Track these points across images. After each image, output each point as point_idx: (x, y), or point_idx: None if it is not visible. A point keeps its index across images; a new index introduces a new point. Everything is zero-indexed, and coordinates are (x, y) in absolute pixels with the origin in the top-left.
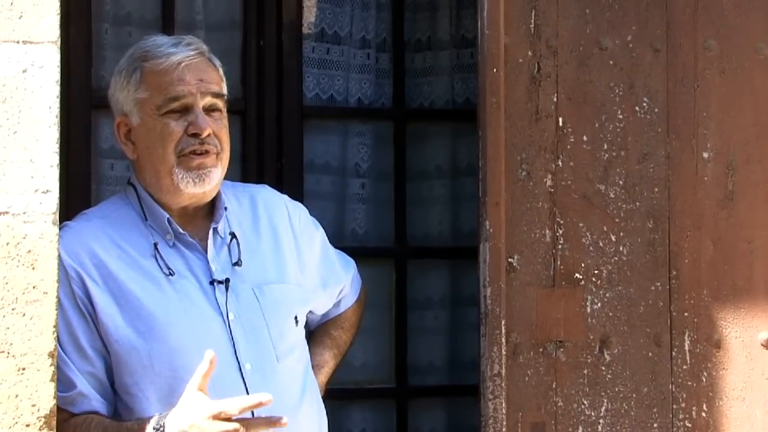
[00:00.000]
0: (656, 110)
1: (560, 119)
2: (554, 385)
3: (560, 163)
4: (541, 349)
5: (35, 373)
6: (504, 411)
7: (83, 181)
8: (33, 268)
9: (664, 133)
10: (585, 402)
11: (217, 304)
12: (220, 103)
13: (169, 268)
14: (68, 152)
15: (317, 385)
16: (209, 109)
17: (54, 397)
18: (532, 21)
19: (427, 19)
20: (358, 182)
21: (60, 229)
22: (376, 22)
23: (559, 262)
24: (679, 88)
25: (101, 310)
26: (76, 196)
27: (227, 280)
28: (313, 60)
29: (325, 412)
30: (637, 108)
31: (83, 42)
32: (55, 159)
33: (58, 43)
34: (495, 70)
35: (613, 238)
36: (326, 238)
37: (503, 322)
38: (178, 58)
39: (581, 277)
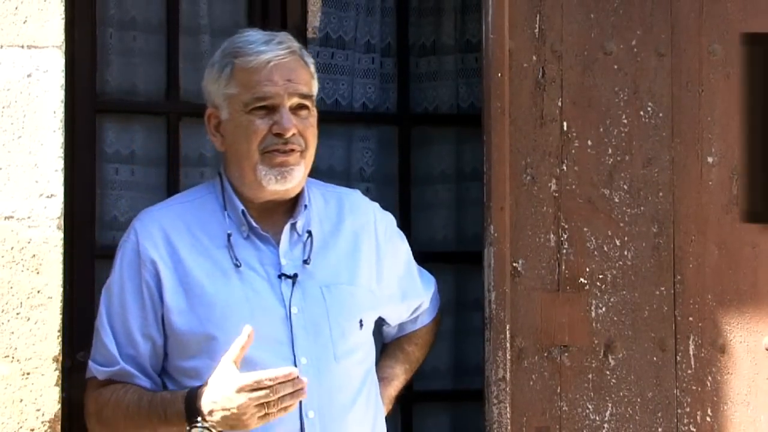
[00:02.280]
0: (661, 115)
1: (565, 124)
2: (559, 390)
3: (565, 168)
4: (545, 354)
5: (40, 377)
6: (509, 416)
7: (88, 186)
8: (37, 273)
9: (669, 137)
10: (590, 406)
11: (282, 297)
12: (308, 102)
13: (237, 259)
14: (73, 157)
15: (378, 393)
16: (296, 109)
17: (59, 402)
18: (537, 25)
19: (432, 24)
20: (362, 187)
21: (141, 212)
22: (380, 27)
23: (563, 267)
24: (683, 92)
25: (168, 296)
26: (81, 200)
27: (295, 276)
28: (317, 64)
29: (383, 420)
30: (641, 113)
31: (88, 46)
32: (60, 163)
33: (63, 47)
34: (500, 74)
35: (618, 243)
36: (410, 251)
37: (508, 327)
38: (267, 57)
39: (586, 281)
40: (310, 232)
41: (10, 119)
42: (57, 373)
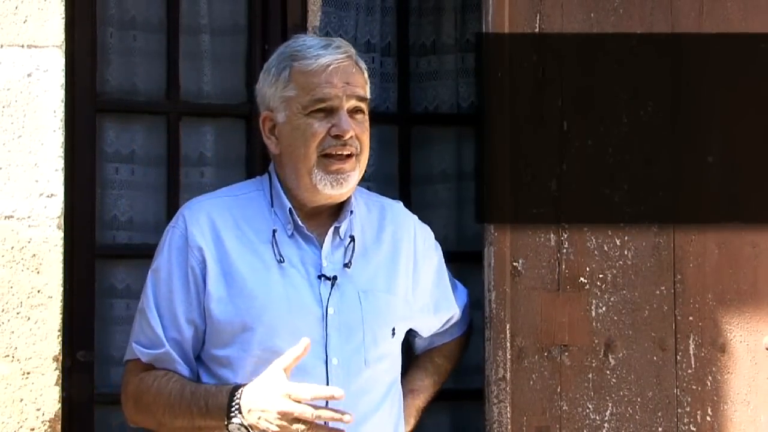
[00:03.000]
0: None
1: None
2: (559, 390)
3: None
4: (545, 354)
5: (40, 377)
6: (509, 415)
7: (88, 185)
8: (38, 272)
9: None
10: (590, 406)
11: (320, 297)
12: (364, 106)
13: (281, 256)
14: (73, 156)
15: (401, 405)
16: (352, 112)
17: (59, 402)
18: (537, 25)
19: (432, 23)
20: (362, 186)
21: (189, 201)
22: (380, 26)
23: (563, 267)
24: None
25: (210, 283)
26: (81, 200)
27: (334, 278)
28: None
29: (404, 429)
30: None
31: (88, 46)
32: (60, 163)
33: (63, 47)
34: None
35: (618, 243)
36: (444, 263)
37: (508, 327)
38: (326, 60)
39: (586, 281)
40: (352, 237)
41: (10, 119)
42: (57, 372)
